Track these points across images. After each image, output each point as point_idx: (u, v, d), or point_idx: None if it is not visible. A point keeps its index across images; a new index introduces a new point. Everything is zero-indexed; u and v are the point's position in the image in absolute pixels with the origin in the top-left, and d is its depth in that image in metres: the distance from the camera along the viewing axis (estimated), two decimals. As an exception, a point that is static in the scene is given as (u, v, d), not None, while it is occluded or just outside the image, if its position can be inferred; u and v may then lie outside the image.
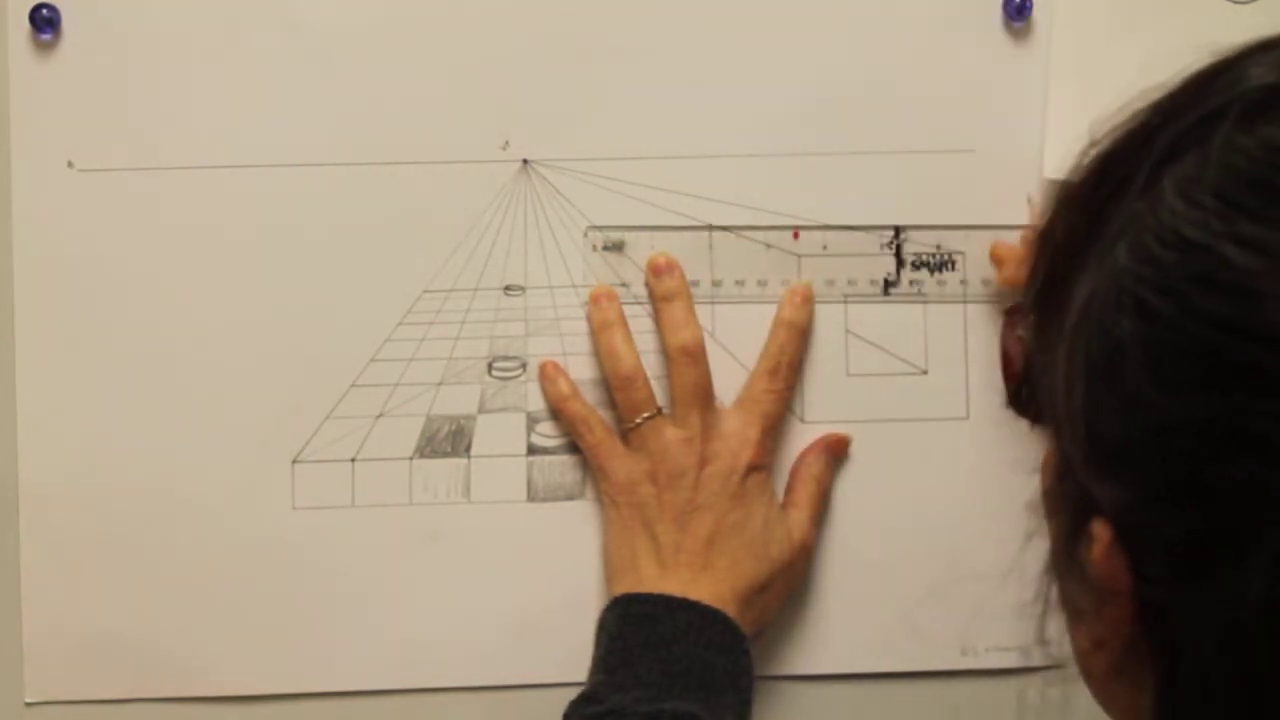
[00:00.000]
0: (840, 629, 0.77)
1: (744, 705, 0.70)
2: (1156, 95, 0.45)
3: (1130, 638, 0.43)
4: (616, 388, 0.74)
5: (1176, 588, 0.41)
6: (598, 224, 0.76)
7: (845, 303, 0.76)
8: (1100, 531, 0.43)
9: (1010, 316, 0.52)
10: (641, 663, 0.69)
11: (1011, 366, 0.53)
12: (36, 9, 0.73)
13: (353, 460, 0.76)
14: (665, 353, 0.75)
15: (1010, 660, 0.76)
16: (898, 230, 0.76)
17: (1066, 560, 0.46)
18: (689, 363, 0.73)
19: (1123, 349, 0.41)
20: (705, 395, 0.74)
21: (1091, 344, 0.43)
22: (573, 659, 0.73)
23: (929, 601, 0.76)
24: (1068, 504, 0.46)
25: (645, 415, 0.74)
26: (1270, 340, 0.38)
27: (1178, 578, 0.41)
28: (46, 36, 0.74)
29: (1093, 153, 0.46)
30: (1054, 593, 0.48)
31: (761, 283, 0.76)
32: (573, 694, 0.71)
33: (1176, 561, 0.41)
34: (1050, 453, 0.48)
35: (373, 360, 0.75)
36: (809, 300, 0.76)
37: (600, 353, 0.75)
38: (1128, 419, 0.41)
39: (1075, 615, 0.47)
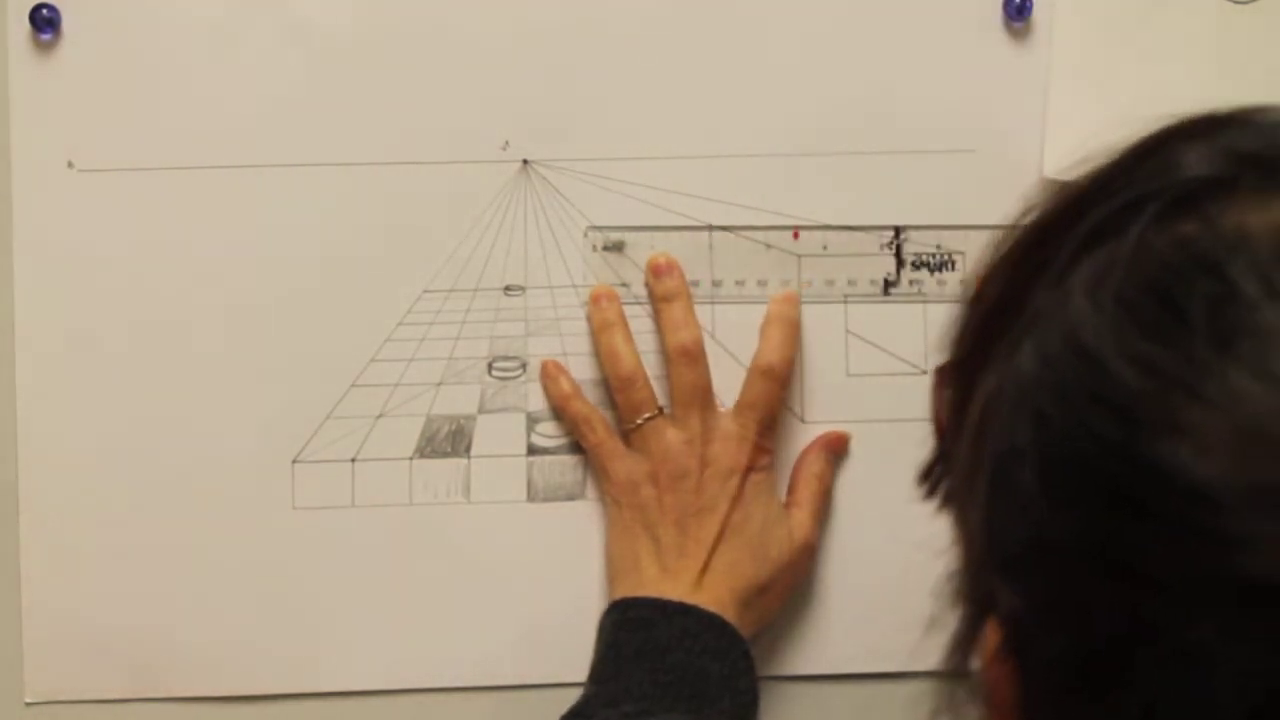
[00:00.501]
0: (840, 629, 0.77)
1: (744, 708, 0.70)
2: (1100, 161, 0.43)
3: None
4: (617, 389, 0.74)
5: (1056, 708, 0.40)
6: (598, 224, 0.76)
7: (845, 303, 0.76)
8: (990, 637, 0.41)
9: (940, 374, 0.50)
10: (633, 673, 0.69)
11: (941, 428, 0.51)
12: (36, 9, 0.73)
13: (353, 460, 0.76)
14: (665, 353, 0.75)
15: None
16: (898, 230, 0.76)
17: (960, 658, 0.44)
18: (688, 363, 0.73)
19: (1020, 453, 0.39)
20: (705, 396, 0.73)
21: (995, 440, 0.41)
22: (573, 659, 0.74)
23: (929, 601, 0.76)
24: (969, 597, 0.44)
25: (646, 416, 0.74)
26: (1152, 470, 0.36)
27: (1057, 698, 0.39)
28: (46, 36, 0.74)
29: (1026, 220, 0.44)
30: (948, 692, 0.46)
31: (761, 283, 0.76)
32: (573, 694, 0.71)
33: (1056, 681, 0.39)
34: (957, 538, 0.46)
35: (373, 360, 0.75)
36: (794, 298, 0.75)
37: (600, 353, 0.75)
38: (1020, 527, 0.40)
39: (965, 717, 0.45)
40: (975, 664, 0.43)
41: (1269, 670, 0.34)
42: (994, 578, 0.41)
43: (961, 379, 0.45)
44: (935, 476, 0.48)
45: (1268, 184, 0.39)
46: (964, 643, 0.44)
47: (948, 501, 0.47)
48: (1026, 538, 0.39)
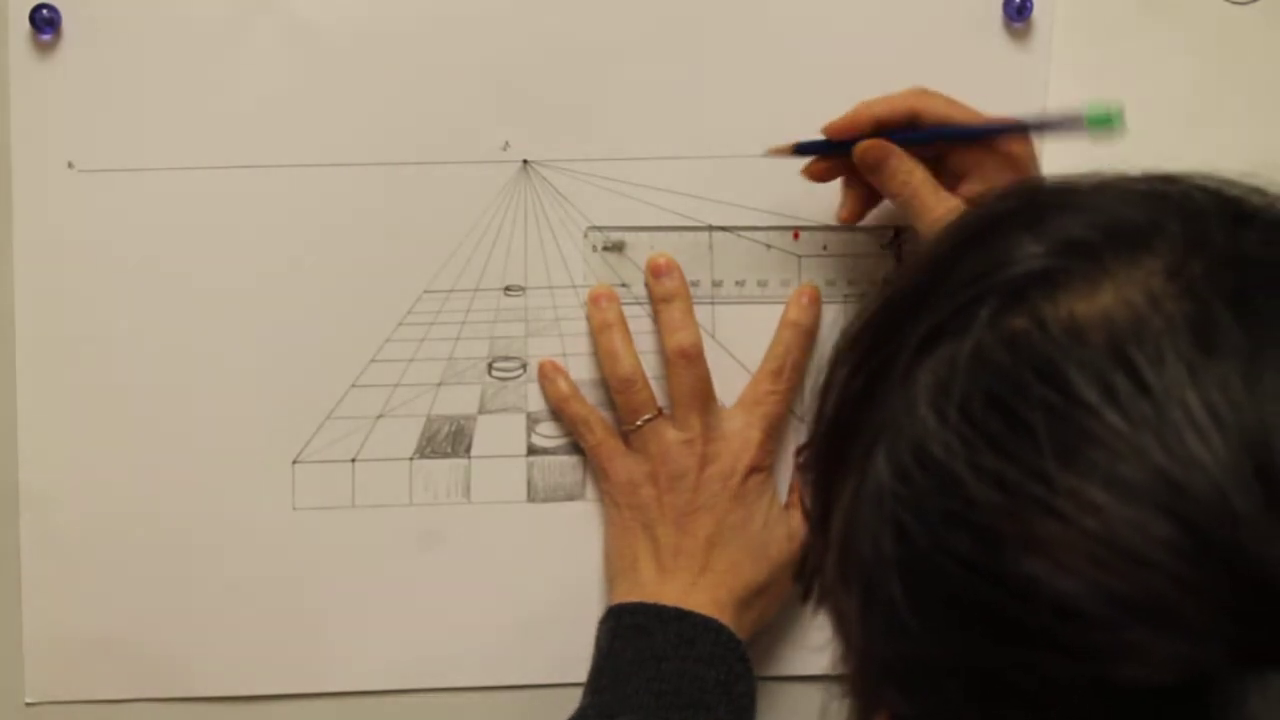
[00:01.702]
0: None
1: (741, 712, 0.70)
2: (934, 246, 0.42)
3: None
4: (616, 390, 0.74)
5: None
6: (598, 224, 0.76)
7: (845, 303, 0.76)
8: None
9: (799, 455, 0.49)
10: (630, 683, 0.69)
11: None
12: (36, 9, 0.73)
13: (353, 460, 0.76)
14: (664, 355, 0.75)
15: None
16: (898, 230, 0.76)
17: None
18: (687, 365, 0.73)
19: (884, 565, 0.38)
20: (704, 397, 0.73)
21: (861, 548, 0.40)
22: (572, 659, 0.74)
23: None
24: (857, 688, 0.43)
25: (646, 417, 0.74)
26: (1012, 587, 0.35)
27: None
28: (46, 36, 0.74)
29: (867, 310, 0.43)
30: None
31: (762, 283, 0.76)
32: (572, 694, 0.71)
33: None
34: (836, 634, 0.44)
35: (373, 360, 0.75)
36: (815, 302, 0.76)
37: (600, 354, 0.75)
38: (893, 641, 0.39)
39: None
40: None
41: None
42: (874, 678, 0.41)
43: (820, 472, 0.44)
44: (808, 574, 0.47)
45: (1094, 271, 0.38)
46: None
47: (823, 600, 0.45)
48: (899, 650, 0.39)
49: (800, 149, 0.72)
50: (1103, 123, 0.64)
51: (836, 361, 0.44)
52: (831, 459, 0.43)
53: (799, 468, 0.48)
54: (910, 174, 0.68)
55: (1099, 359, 0.36)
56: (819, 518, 0.44)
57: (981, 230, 0.42)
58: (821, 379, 0.45)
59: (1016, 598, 0.35)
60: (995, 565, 0.36)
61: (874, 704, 0.41)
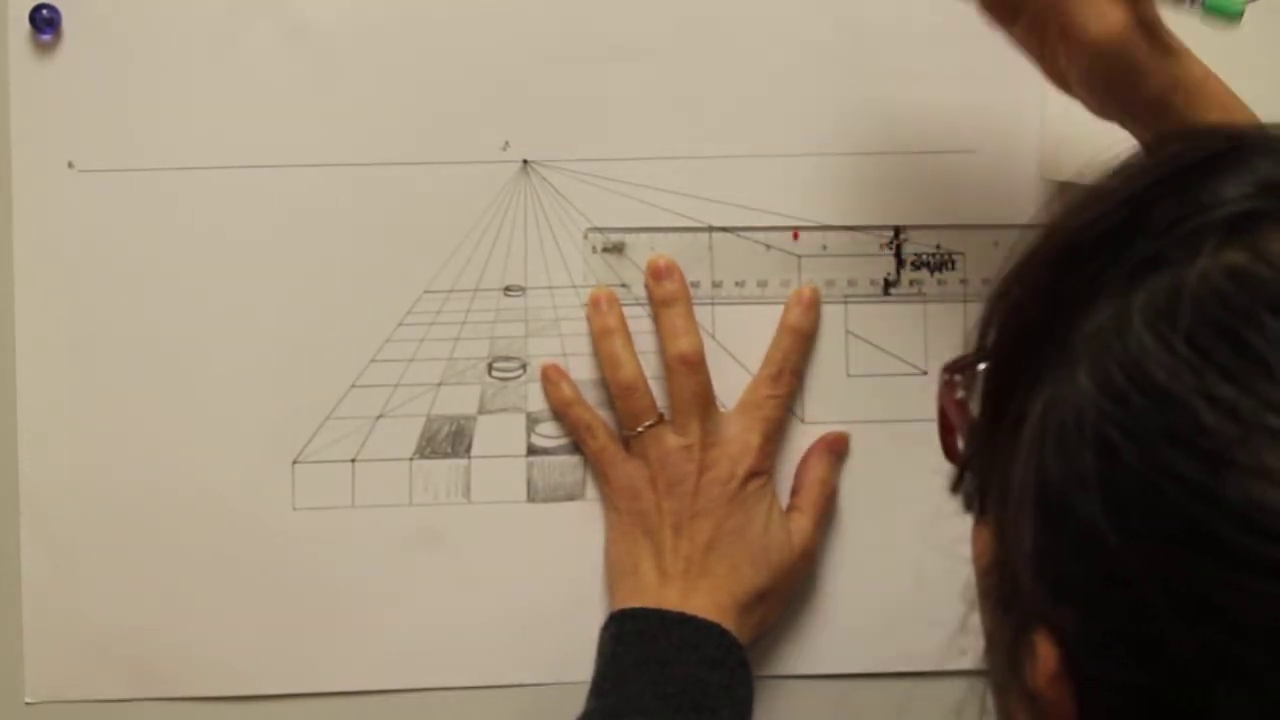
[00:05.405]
0: (840, 629, 0.77)
1: (742, 716, 0.70)
2: (1129, 179, 0.43)
3: None
4: (617, 395, 0.74)
5: None
6: (598, 225, 0.76)
7: (845, 303, 0.76)
8: (1046, 654, 0.41)
9: (950, 374, 0.49)
10: (633, 686, 0.69)
11: (950, 428, 0.50)
12: (36, 9, 0.73)
13: (353, 461, 0.76)
14: (664, 361, 0.74)
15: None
16: (898, 230, 0.76)
17: (1007, 669, 0.43)
18: (688, 372, 0.73)
19: (1082, 482, 0.39)
20: (705, 403, 0.73)
21: (1048, 465, 0.40)
22: (572, 659, 0.74)
23: (928, 601, 0.76)
24: (1011, 606, 0.43)
25: (647, 424, 0.73)
26: (1239, 514, 0.36)
27: None
28: (46, 36, 0.74)
29: (1061, 227, 0.44)
30: (989, 698, 0.46)
31: (762, 283, 0.76)
32: (572, 693, 0.71)
33: (1123, 708, 0.39)
34: (992, 544, 0.45)
35: (373, 361, 0.75)
36: (814, 305, 0.76)
37: (601, 360, 0.75)
38: (1082, 556, 0.39)
39: None
40: (1026, 677, 0.42)
41: None
42: (1046, 595, 0.41)
43: (997, 392, 0.44)
44: (968, 485, 0.48)
45: None
46: (1011, 653, 0.43)
47: (985, 511, 0.46)
48: (1091, 567, 0.39)
49: None
50: (1221, 10, 0.64)
51: (1020, 273, 0.44)
52: (1012, 374, 0.43)
53: (948, 383, 0.49)
54: None
55: None
56: (987, 435, 0.45)
57: (1186, 170, 0.42)
58: (998, 289, 0.45)
59: (1239, 522, 0.36)
60: (1219, 489, 0.36)
61: (1036, 620, 0.41)
